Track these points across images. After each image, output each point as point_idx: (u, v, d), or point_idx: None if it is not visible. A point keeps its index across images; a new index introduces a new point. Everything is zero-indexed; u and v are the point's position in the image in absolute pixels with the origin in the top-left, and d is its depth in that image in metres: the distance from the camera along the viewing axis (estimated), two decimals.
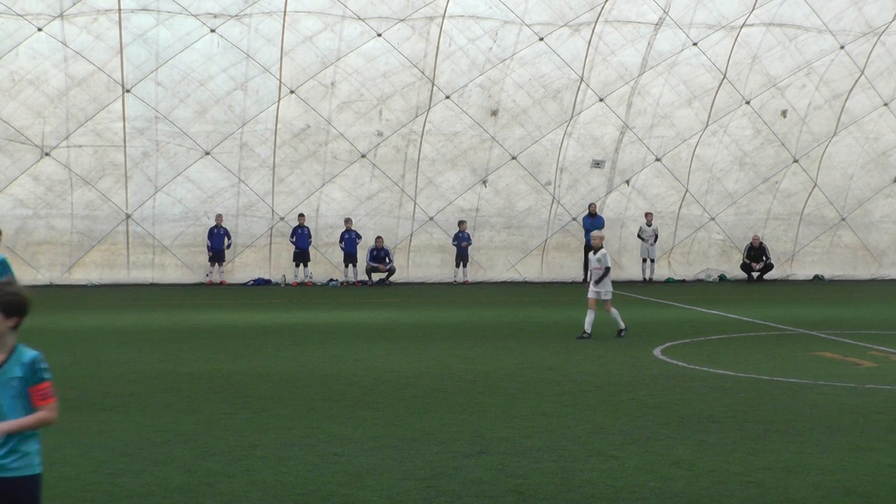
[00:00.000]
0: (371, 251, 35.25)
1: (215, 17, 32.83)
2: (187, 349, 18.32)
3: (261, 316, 24.21)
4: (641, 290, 32.88)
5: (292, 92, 33.88)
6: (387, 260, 35.35)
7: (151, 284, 34.12)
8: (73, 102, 32.96)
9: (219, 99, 33.71)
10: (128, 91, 32.97)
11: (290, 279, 35.14)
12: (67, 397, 13.33)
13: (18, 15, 31.90)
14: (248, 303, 28.07)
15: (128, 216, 33.97)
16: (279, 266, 35.42)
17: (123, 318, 23.82)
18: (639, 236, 36.89)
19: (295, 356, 17.41)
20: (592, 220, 35.88)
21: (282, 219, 35.05)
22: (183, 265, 34.85)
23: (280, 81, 33.73)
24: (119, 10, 32.28)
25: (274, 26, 33.19)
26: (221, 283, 34.58)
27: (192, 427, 11.55)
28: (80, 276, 34.11)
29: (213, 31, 32.90)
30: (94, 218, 33.93)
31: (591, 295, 19.85)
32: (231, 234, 34.69)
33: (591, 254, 20.38)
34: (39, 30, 32.09)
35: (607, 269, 19.80)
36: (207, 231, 34.41)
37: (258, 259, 35.53)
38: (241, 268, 35.43)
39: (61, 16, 32.05)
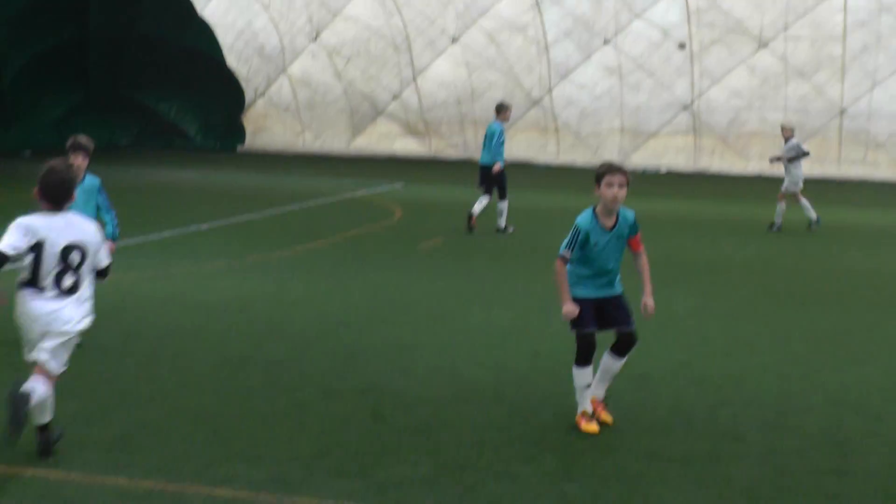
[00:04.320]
0: None
1: None
2: None
3: None
4: None
5: None
6: None
7: (861, 182, 33.17)
8: None
9: None
10: None
11: None
12: (778, 291, 13.42)
13: None
14: None
15: (842, 111, 33.23)
16: None
17: (834, 213, 23.46)
18: None
19: None
20: None
21: None
22: None
23: None
24: None
25: None
26: None
27: None
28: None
29: None
30: (806, 112, 33.56)
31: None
32: None
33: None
34: None
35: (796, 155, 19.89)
36: None
37: None
38: None
39: None
